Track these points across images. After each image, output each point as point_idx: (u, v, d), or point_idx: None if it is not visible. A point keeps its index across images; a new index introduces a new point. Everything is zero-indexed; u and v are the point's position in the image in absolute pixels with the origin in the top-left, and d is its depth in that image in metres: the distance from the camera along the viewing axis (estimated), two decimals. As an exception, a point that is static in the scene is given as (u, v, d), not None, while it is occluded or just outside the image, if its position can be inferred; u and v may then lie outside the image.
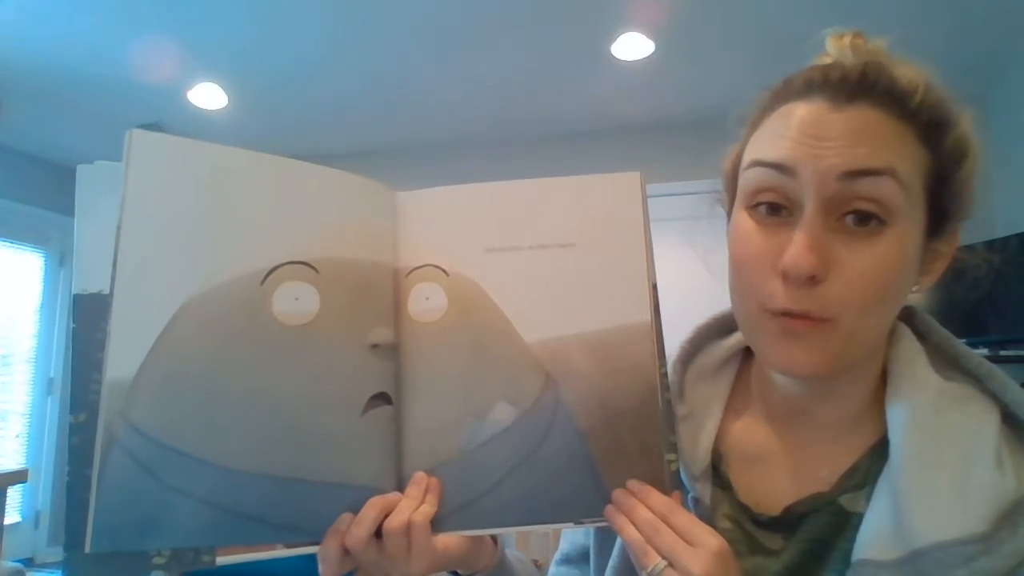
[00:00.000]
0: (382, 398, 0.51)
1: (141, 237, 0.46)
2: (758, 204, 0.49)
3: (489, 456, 0.51)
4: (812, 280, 0.46)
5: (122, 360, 0.45)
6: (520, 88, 3.20)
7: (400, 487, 0.50)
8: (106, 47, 2.79)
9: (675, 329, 0.63)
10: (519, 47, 2.80)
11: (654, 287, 0.53)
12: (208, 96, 3.25)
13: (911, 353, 0.53)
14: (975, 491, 0.45)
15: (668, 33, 2.67)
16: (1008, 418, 0.50)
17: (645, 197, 0.54)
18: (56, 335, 4.35)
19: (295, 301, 0.49)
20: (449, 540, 0.52)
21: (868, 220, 0.46)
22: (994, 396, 0.50)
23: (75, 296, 0.46)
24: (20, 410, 4.18)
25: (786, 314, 0.47)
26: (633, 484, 0.50)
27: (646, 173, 0.53)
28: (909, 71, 0.49)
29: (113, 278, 0.45)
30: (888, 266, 0.46)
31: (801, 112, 0.48)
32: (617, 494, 0.50)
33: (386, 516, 0.48)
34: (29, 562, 4.07)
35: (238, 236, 0.49)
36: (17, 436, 4.16)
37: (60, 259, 4.39)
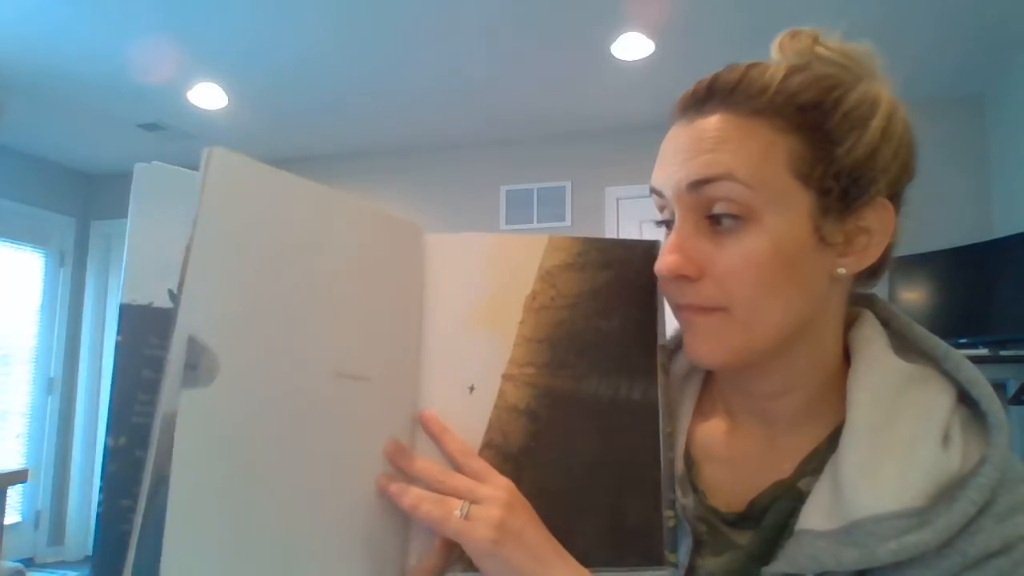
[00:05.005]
0: None
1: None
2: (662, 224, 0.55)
3: None
4: (685, 279, 0.50)
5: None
6: (520, 87, 3.20)
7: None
8: (106, 47, 2.79)
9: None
10: (519, 47, 2.80)
11: (663, 347, 0.56)
12: (208, 96, 3.26)
13: (870, 335, 0.53)
14: (916, 466, 0.46)
15: (668, 33, 2.67)
16: (964, 397, 0.50)
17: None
18: (56, 335, 4.35)
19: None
20: None
21: (723, 220, 0.49)
22: (950, 376, 0.51)
23: (122, 306, 0.42)
24: (20, 410, 4.18)
25: (680, 306, 0.52)
26: (392, 444, 0.51)
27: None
28: (771, 65, 0.50)
29: (179, 299, 0.41)
30: (756, 259, 0.48)
31: (668, 135, 0.53)
32: (390, 453, 0.50)
33: None
34: (29, 562, 4.07)
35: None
36: (17, 436, 4.16)
37: (60, 259, 4.40)
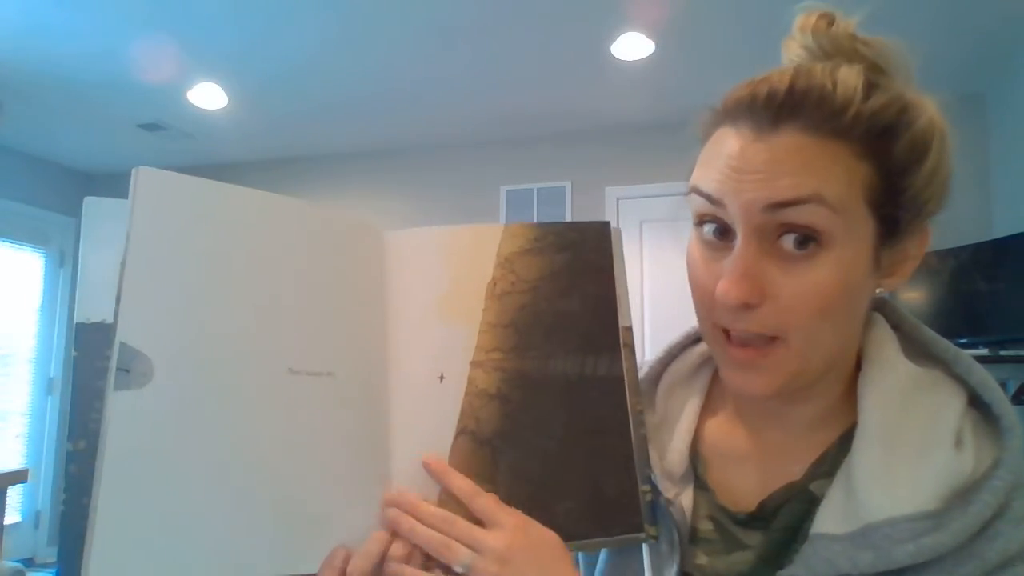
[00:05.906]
0: None
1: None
2: (703, 223, 0.51)
3: None
4: (746, 307, 0.47)
5: None
6: (520, 87, 3.20)
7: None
8: (106, 47, 2.79)
9: (662, 329, 0.64)
10: (519, 47, 2.80)
11: (628, 329, 0.57)
12: (208, 96, 3.26)
13: (882, 339, 0.53)
14: (930, 469, 0.46)
15: (668, 33, 2.67)
16: (975, 400, 0.50)
17: (619, 248, 0.58)
18: (56, 335, 4.35)
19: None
20: None
21: (804, 244, 0.46)
22: (961, 380, 0.51)
23: (77, 325, 0.46)
24: (20, 410, 4.18)
25: (733, 340, 0.50)
26: (434, 459, 0.52)
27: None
28: (849, 75, 0.47)
29: (116, 313, 0.45)
30: (825, 288, 0.46)
31: (729, 142, 0.48)
32: (394, 498, 0.51)
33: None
34: (29, 562, 4.07)
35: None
36: (17, 436, 4.17)
37: (60, 259, 4.40)
